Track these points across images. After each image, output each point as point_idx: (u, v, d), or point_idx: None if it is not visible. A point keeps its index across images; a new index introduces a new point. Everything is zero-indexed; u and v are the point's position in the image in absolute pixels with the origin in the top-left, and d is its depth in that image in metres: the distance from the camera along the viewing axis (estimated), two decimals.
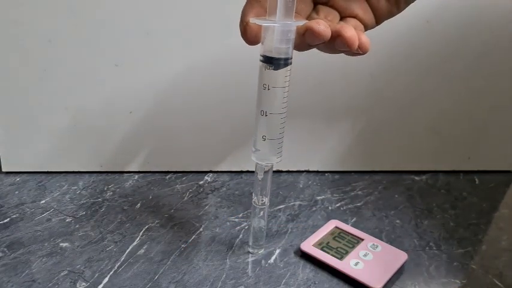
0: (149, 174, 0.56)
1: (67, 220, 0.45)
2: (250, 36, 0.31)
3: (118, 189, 0.52)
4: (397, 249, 0.42)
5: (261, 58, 0.32)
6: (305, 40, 0.30)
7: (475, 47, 0.54)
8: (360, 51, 0.30)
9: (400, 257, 0.41)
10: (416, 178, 0.58)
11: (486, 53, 0.54)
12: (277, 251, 0.42)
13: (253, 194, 0.38)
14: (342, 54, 0.32)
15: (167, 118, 0.53)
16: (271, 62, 0.32)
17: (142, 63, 0.50)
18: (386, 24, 0.35)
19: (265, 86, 0.33)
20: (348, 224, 0.47)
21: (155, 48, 0.49)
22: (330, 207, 0.50)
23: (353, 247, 0.41)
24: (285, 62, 0.32)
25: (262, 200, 0.38)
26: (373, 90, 0.54)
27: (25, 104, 0.51)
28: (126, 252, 0.41)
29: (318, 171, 0.59)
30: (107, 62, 0.49)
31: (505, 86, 0.56)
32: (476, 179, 0.59)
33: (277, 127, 0.34)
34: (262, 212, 0.39)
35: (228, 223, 0.46)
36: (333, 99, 0.54)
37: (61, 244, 0.41)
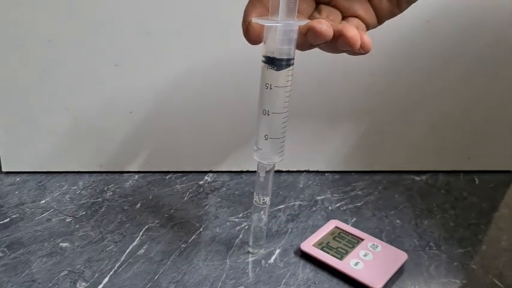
0: (149, 174, 0.56)
1: (67, 220, 0.45)
2: (252, 36, 0.31)
3: (118, 189, 0.52)
4: (397, 249, 0.42)
5: (263, 59, 0.32)
6: (307, 40, 0.30)
7: (475, 48, 0.54)
8: (362, 51, 0.31)
9: (400, 257, 0.41)
10: (416, 178, 0.58)
11: (486, 53, 0.54)
12: (277, 251, 0.42)
13: (255, 194, 0.38)
14: (344, 54, 0.32)
15: (167, 118, 0.53)
16: (274, 63, 0.32)
17: (142, 63, 0.50)
18: (386, 24, 0.35)
19: (267, 85, 0.33)
20: (348, 224, 0.47)
21: (155, 48, 0.49)
22: (330, 207, 0.50)
23: (353, 247, 0.41)
24: (287, 63, 0.32)
25: (263, 200, 0.38)
26: (374, 90, 0.54)
27: (25, 104, 0.51)
28: (126, 252, 0.41)
29: (318, 171, 0.59)
30: (107, 62, 0.49)
31: (505, 86, 0.56)
32: (476, 179, 0.59)
33: (279, 126, 0.34)
34: (263, 212, 0.39)
35: (228, 223, 0.46)
36: (334, 99, 0.54)
37: (61, 244, 0.41)
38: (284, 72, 0.32)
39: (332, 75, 0.53)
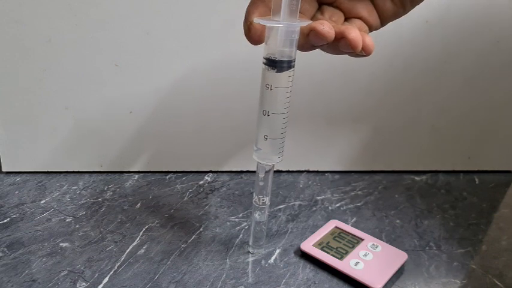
0: (149, 174, 0.56)
1: (67, 220, 0.45)
2: (254, 36, 0.31)
3: (118, 189, 0.52)
4: (397, 249, 0.42)
5: (264, 61, 0.32)
6: (309, 41, 0.30)
7: (475, 47, 0.54)
8: (364, 53, 0.30)
9: (400, 257, 0.41)
10: (416, 178, 0.58)
11: (486, 53, 0.54)
12: (277, 251, 0.42)
13: (254, 194, 0.38)
14: (345, 54, 0.32)
15: (167, 118, 0.53)
16: (275, 65, 0.32)
17: (143, 63, 0.50)
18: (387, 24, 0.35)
19: (267, 86, 0.33)
20: (348, 224, 0.47)
21: (155, 48, 0.49)
22: (330, 207, 0.50)
23: (353, 247, 0.41)
24: (288, 65, 0.32)
25: (263, 200, 0.38)
26: (373, 90, 0.54)
27: (25, 104, 0.51)
28: (126, 252, 0.41)
29: (318, 171, 0.59)
30: (107, 62, 0.49)
31: (505, 86, 0.56)
32: (476, 179, 0.59)
33: (279, 127, 0.34)
34: (262, 212, 0.39)
35: (228, 223, 0.46)
36: (334, 99, 0.54)
37: (61, 244, 0.41)
38: (285, 73, 0.32)
39: (332, 75, 0.53)
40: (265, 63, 0.32)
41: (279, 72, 0.32)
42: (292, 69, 0.32)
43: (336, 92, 0.54)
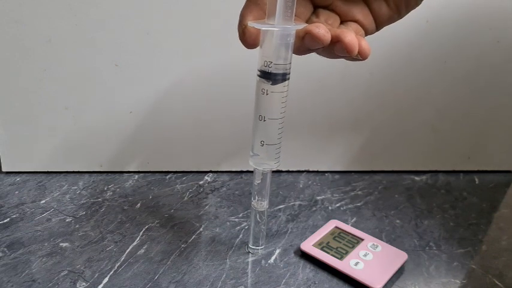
0: (149, 174, 0.56)
1: (67, 220, 0.45)
2: (248, 39, 0.30)
3: (118, 189, 0.52)
4: (397, 249, 0.42)
5: (258, 73, 0.32)
6: (304, 44, 0.30)
7: (475, 47, 0.54)
8: (360, 57, 0.30)
9: (400, 257, 0.41)
10: (416, 178, 0.58)
11: (486, 52, 0.54)
12: (277, 251, 0.42)
13: (252, 197, 0.38)
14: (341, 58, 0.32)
15: (167, 118, 0.53)
16: (269, 77, 0.31)
17: (143, 63, 0.50)
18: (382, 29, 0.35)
19: (263, 90, 0.32)
20: (348, 224, 0.47)
21: (155, 48, 0.49)
22: (330, 207, 0.50)
23: (353, 247, 0.41)
24: (283, 78, 0.32)
25: (261, 203, 0.38)
26: (373, 90, 0.54)
27: (25, 104, 0.51)
28: (126, 252, 0.41)
29: (318, 171, 0.59)
30: (107, 62, 0.49)
31: (505, 86, 0.56)
32: (476, 179, 0.59)
33: (275, 132, 0.34)
34: (261, 214, 0.39)
35: (228, 223, 0.46)
36: (334, 99, 0.54)
37: (61, 244, 0.41)
38: (280, 84, 0.32)
39: (332, 75, 0.53)
40: (259, 76, 0.32)
41: (274, 85, 0.32)
42: (286, 82, 0.32)
43: (336, 92, 0.54)
